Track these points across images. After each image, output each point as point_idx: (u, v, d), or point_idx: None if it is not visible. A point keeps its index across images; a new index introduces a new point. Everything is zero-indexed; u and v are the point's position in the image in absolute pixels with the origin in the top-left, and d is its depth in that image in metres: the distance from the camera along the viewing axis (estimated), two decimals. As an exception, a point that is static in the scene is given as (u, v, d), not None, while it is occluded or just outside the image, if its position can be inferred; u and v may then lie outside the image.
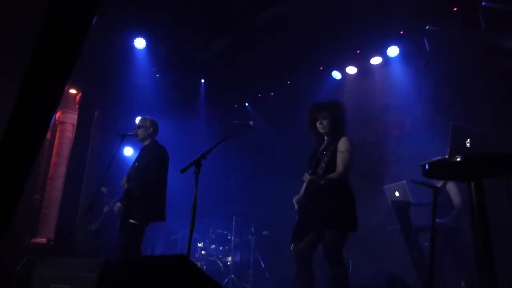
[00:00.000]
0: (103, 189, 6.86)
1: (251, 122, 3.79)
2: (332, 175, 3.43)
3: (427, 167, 2.45)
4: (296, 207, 3.60)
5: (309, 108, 3.82)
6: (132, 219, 4.24)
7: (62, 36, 0.56)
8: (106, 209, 6.79)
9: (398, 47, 6.68)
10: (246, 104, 9.02)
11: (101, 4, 0.63)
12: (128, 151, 8.00)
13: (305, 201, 3.53)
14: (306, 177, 3.52)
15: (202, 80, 8.53)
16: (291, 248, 3.57)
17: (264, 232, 7.01)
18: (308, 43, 6.74)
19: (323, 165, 3.48)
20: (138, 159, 4.67)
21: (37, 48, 0.57)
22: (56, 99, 0.59)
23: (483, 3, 5.40)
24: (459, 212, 4.59)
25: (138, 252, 4.30)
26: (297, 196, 3.61)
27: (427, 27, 6.17)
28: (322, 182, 3.40)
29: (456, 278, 4.46)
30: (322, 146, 3.71)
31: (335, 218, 3.38)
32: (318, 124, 3.71)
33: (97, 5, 0.59)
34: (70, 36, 0.57)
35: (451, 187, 4.72)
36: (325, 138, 3.75)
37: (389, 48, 6.72)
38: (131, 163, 4.76)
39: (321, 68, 7.66)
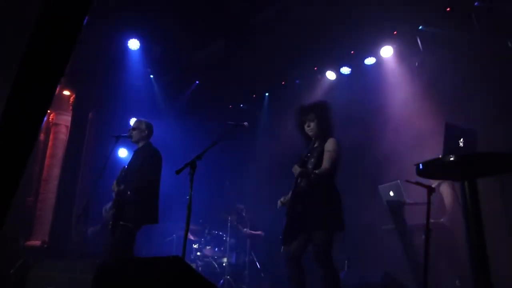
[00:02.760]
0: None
1: (245, 123, 3.79)
2: (318, 171, 3.43)
3: (421, 166, 2.46)
4: (279, 206, 3.63)
5: (296, 111, 3.83)
6: (123, 221, 4.22)
7: (54, 36, 0.56)
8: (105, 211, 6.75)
9: (392, 47, 6.71)
10: (241, 105, 9.02)
11: (92, 4, 0.62)
12: (123, 153, 7.97)
13: (293, 203, 3.53)
14: (296, 168, 3.48)
15: (197, 81, 8.51)
16: (282, 250, 3.58)
17: (260, 233, 7.01)
18: (303, 43, 6.75)
19: (310, 166, 3.49)
20: (131, 161, 4.66)
21: (29, 48, 0.57)
22: (48, 99, 0.59)
23: (476, 3, 5.43)
24: (451, 213, 4.61)
25: (130, 254, 4.27)
26: (284, 197, 3.62)
27: (420, 27, 6.21)
28: (312, 176, 3.40)
29: (451, 277, 4.48)
30: (310, 148, 3.73)
31: (324, 219, 3.39)
32: (306, 127, 3.72)
33: (88, 5, 0.59)
34: (61, 36, 0.57)
35: (445, 189, 4.74)
36: (314, 140, 3.76)
37: (382, 48, 6.75)
38: (125, 165, 4.75)
39: (315, 68, 7.67)
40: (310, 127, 3.68)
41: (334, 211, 3.47)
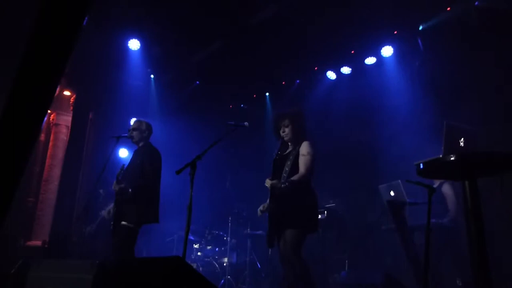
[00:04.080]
0: (101, 191, 6.84)
1: (246, 123, 3.82)
2: (294, 178, 3.58)
3: (421, 166, 2.46)
4: (259, 215, 3.77)
5: (272, 117, 4.07)
6: (124, 221, 4.23)
7: (53, 36, 0.56)
8: (103, 213, 6.76)
9: (392, 47, 6.70)
10: (242, 105, 9.01)
11: (92, 3, 0.62)
12: (123, 153, 7.97)
13: (272, 206, 3.66)
14: (268, 182, 3.67)
15: (197, 82, 8.51)
16: (269, 253, 3.72)
17: (260, 233, 7.00)
18: (303, 43, 6.75)
19: (287, 169, 3.69)
20: (131, 161, 4.67)
21: (28, 48, 0.57)
22: (48, 99, 0.59)
23: (476, 3, 5.43)
24: (455, 214, 4.61)
25: (131, 254, 4.28)
26: (263, 205, 3.73)
27: (420, 27, 6.20)
28: (282, 185, 3.53)
29: (452, 277, 4.48)
30: (286, 151, 3.89)
31: (294, 218, 3.51)
32: (281, 132, 3.91)
33: (88, 5, 0.59)
34: (61, 35, 0.57)
35: (447, 190, 4.74)
36: (289, 144, 3.93)
37: (383, 48, 6.74)
38: (125, 165, 4.76)
39: (315, 68, 7.67)
40: (285, 132, 3.88)
41: (306, 211, 3.58)
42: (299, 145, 3.77)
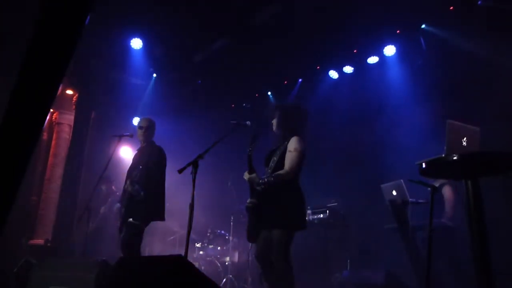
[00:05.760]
0: (103, 187, 6.86)
1: (248, 122, 3.81)
2: (278, 173, 3.46)
3: (424, 165, 2.45)
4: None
5: (269, 107, 3.93)
6: (132, 219, 4.26)
7: (56, 35, 0.56)
8: (102, 210, 6.77)
9: (395, 46, 6.69)
10: (244, 104, 9.01)
11: (94, 3, 0.63)
12: (125, 152, 7.98)
13: (253, 201, 3.55)
14: (246, 175, 3.58)
15: (199, 81, 8.51)
16: (250, 248, 3.60)
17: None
18: (305, 42, 6.74)
19: (272, 164, 3.58)
20: (137, 160, 4.67)
21: (30, 48, 0.57)
22: (50, 98, 0.59)
23: (479, 2, 5.42)
24: (451, 216, 4.60)
25: (138, 251, 4.32)
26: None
27: (423, 26, 6.19)
28: (260, 181, 3.45)
29: (453, 277, 4.47)
30: (275, 146, 3.79)
31: (281, 217, 3.37)
32: (272, 122, 3.82)
33: (90, 4, 0.59)
34: (64, 35, 0.57)
35: (446, 192, 4.72)
36: (279, 137, 3.82)
37: (385, 48, 6.73)
38: (128, 164, 4.76)
39: (318, 67, 7.66)
40: (273, 124, 3.80)
41: (293, 209, 3.44)
42: (288, 140, 3.64)
